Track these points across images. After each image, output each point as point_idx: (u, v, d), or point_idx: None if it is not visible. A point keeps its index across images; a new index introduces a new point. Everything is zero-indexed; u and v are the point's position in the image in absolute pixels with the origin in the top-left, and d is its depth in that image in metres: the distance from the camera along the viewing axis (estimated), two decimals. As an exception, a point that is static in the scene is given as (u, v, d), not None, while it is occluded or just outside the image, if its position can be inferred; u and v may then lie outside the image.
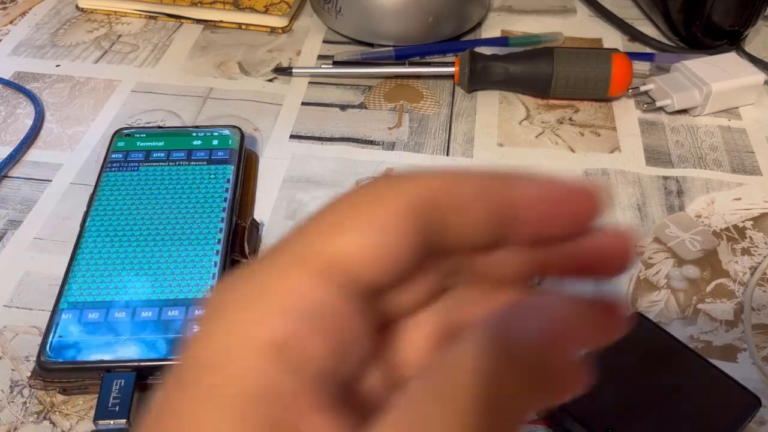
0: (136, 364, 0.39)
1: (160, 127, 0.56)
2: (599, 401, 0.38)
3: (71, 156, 0.57)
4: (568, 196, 0.19)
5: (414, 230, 0.18)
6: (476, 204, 0.18)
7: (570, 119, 0.60)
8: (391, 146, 0.58)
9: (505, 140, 0.58)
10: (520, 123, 0.60)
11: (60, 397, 0.41)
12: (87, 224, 0.47)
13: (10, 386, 0.41)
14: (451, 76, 0.62)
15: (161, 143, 0.52)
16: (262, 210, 0.52)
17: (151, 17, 0.73)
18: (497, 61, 0.61)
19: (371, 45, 0.68)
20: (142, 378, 0.40)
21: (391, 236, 0.17)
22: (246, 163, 0.54)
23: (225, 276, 0.39)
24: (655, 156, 0.57)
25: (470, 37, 0.70)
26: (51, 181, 0.54)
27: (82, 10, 0.74)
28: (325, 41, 0.70)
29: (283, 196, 0.53)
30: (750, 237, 0.50)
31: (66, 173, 0.55)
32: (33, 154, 0.57)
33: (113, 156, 0.51)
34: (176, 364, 0.17)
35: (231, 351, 0.16)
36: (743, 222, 0.51)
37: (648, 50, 0.67)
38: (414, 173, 0.19)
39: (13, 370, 0.42)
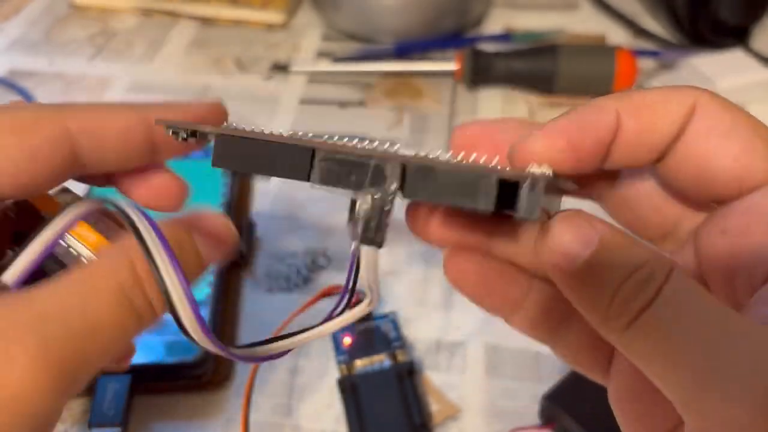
0: (131, 367, 0.39)
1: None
2: (604, 405, 0.37)
3: (65, 154, 0.56)
4: (199, 111, 0.25)
5: (59, 159, 0.23)
6: (115, 147, 0.24)
7: (573, 117, 0.59)
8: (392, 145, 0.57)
9: (508, 138, 0.57)
10: (522, 121, 0.59)
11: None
12: (81, 224, 0.45)
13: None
14: (452, 73, 0.61)
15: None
16: (261, 209, 0.51)
17: (146, 14, 0.72)
18: (499, 57, 0.60)
19: (371, 41, 0.67)
20: (138, 382, 0.39)
21: (38, 162, 0.22)
22: (244, 162, 0.53)
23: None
24: (660, 154, 0.56)
25: (472, 32, 0.69)
26: (44, 179, 0.53)
27: (76, 6, 0.73)
28: (323, 38, 0.69)
29: (282, 195, 0.52)
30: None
31: (60, 172, 0.54)
32: (26, 153, 0.56)
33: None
34: None
35: None
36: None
37: (653, 47, 0.66)
38: (70, 105, 0.23)
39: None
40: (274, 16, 0.70)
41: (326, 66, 0.64)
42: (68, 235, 0.24)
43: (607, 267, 0.19)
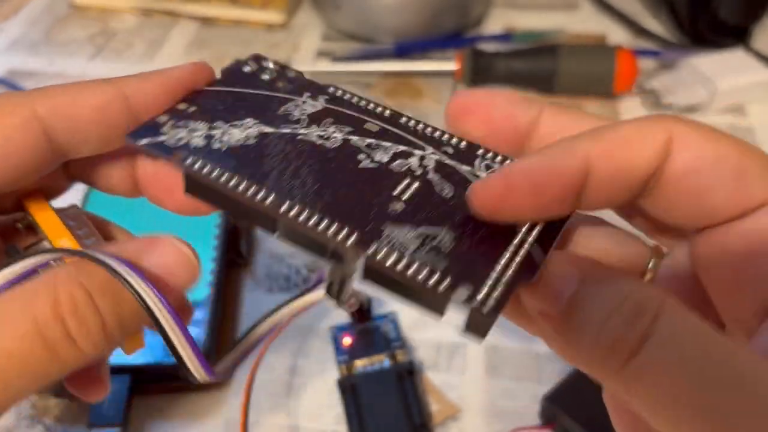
0: (130, 367, 0.39)
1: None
2: (604, 406, 0.37)
3: (65, 154, 0.56)
4: (179, 77, 0.23)
5: (30, 143, 0.21)
6: (92, 126, 0.22)
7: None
8: (392, 144, 0.57)
9: (508, 138, 0.57)
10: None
11: (54, 401, 0.40)
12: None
13: (2, 390, 0.40)
14: (452, 73, 0.61)
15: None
16: (261, 209, 0.51)
17: (146, 14, 0.72)
18: (499, 57, 0.60)
19: (371, 41, 0.67)
20: (138, 382, 0.39)
21: (11, 144, 0.21)
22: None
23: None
24: (660, 154, 0.56)
25: (472, 32, 0.69)
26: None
27: (76, 6, 0.73)
28: (323, 37, 0.69)
29: (282, 195, 0.52)
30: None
31: (60, 172, 0.54)
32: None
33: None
34: None
35: None
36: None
37: (653, 47, 0.66)
38: (40, 89, 0.22)
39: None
40: (274, 16, 0.69)
41: (326, 66, 0.64)
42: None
43: (589, 303, 0.17)
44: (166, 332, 0.19)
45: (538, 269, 0.19)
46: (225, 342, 0.42)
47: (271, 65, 0.26)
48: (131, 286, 0.19)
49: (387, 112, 0.24)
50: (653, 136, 0.20)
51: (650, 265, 0.23)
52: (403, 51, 0.65)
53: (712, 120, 0.59)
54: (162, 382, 0.40)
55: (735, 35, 0.64)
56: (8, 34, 0.69)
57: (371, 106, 0.24)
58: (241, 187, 0.20)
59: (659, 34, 0.67)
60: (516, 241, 0.20)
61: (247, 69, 0.26)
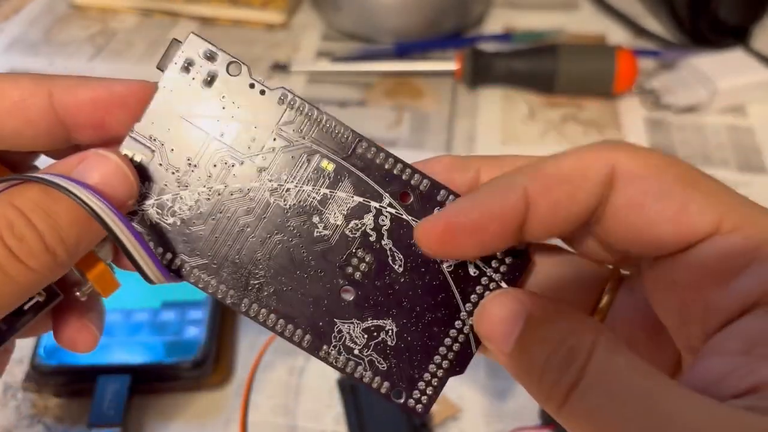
0: (130, 367, 0.39)
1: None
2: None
3: (65, 154, 0.55)
4: (118, 92, 0.22)
5: None
6: (9, 119, 0.21)
7: (574, 117, 0.59)
8: (392, 144, 0.57)
9: (508, 138, 0.57)
10: (523, 121, 0.59)
11: (54, 401, 0.40)
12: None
13: (4, 389, 0.40)
14: (452, 73, 0.61)
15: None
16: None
17: (146, 14, 0.72)
18: (499, 57, 0.60)
19: (371, 41, 0.67)
20: (137, 382, 0.39)
21: None
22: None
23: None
24: (660, 154, 0.56)
25: (472, 32, 0.69)
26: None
27: (76, 6, 0.73)
28: (323, 37, 0.69)
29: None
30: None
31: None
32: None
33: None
34: None
35: None
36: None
37: (653, 47, 0.66)
38: None
39: (6, 372, 0.41)
40: (274, 16, 0.69)
41: (326, 66, 0.64)
42: None
43: (534, 345, 0.19)
44: (118, 236, 0.20)
45: (470, 360, 0.22)
46: (225, 342, 0.42)
47: (204, 71, 0.22)
48: (76, 196, 0.19)
49: (340, 138, 0.23)
50: (594, 170, 0.20)
51: (607, 288, 0.23)
52: (403, 51, 0.65)
53: (712, 120, 0.59)
54: (162, 382, 0.40)
55: (735, 35, 0.64)
56: (8, 34, 0.69)
57: (334, 127, 0.23)
58: (200, 285, 0.22)
59: (659, 34, 0.67)
60: (455, 327, 0.22)
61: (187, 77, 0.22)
